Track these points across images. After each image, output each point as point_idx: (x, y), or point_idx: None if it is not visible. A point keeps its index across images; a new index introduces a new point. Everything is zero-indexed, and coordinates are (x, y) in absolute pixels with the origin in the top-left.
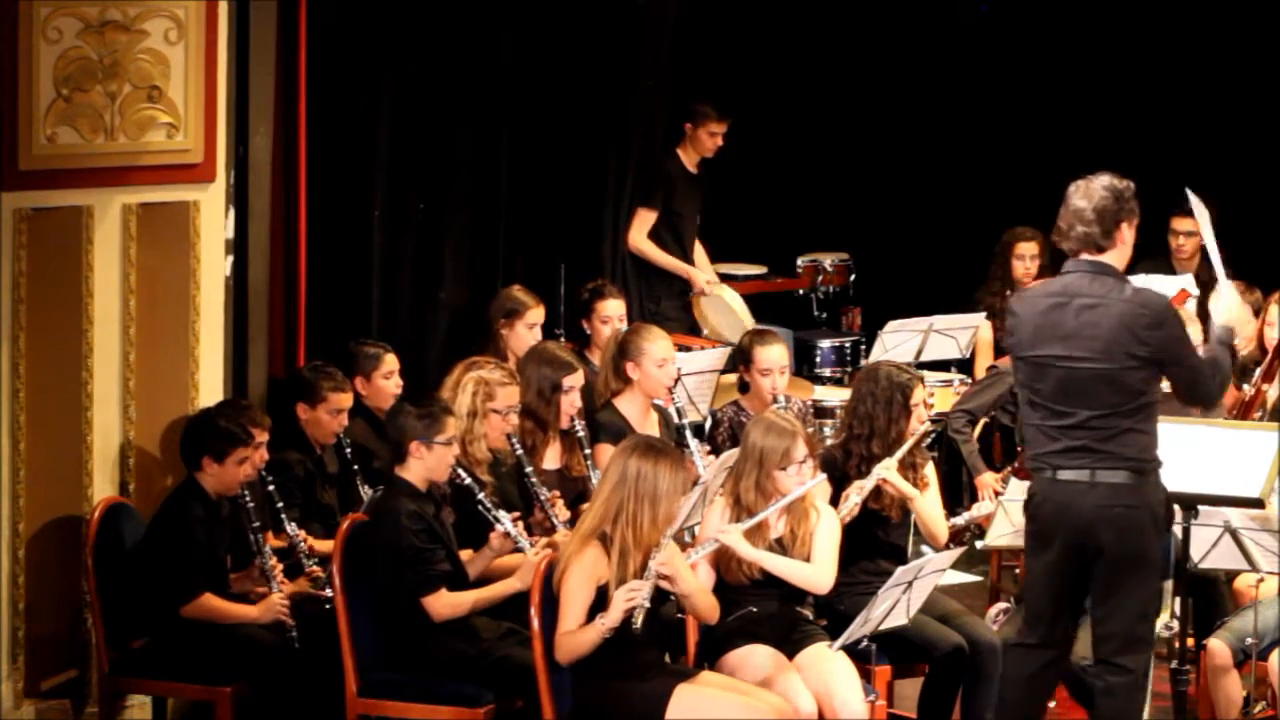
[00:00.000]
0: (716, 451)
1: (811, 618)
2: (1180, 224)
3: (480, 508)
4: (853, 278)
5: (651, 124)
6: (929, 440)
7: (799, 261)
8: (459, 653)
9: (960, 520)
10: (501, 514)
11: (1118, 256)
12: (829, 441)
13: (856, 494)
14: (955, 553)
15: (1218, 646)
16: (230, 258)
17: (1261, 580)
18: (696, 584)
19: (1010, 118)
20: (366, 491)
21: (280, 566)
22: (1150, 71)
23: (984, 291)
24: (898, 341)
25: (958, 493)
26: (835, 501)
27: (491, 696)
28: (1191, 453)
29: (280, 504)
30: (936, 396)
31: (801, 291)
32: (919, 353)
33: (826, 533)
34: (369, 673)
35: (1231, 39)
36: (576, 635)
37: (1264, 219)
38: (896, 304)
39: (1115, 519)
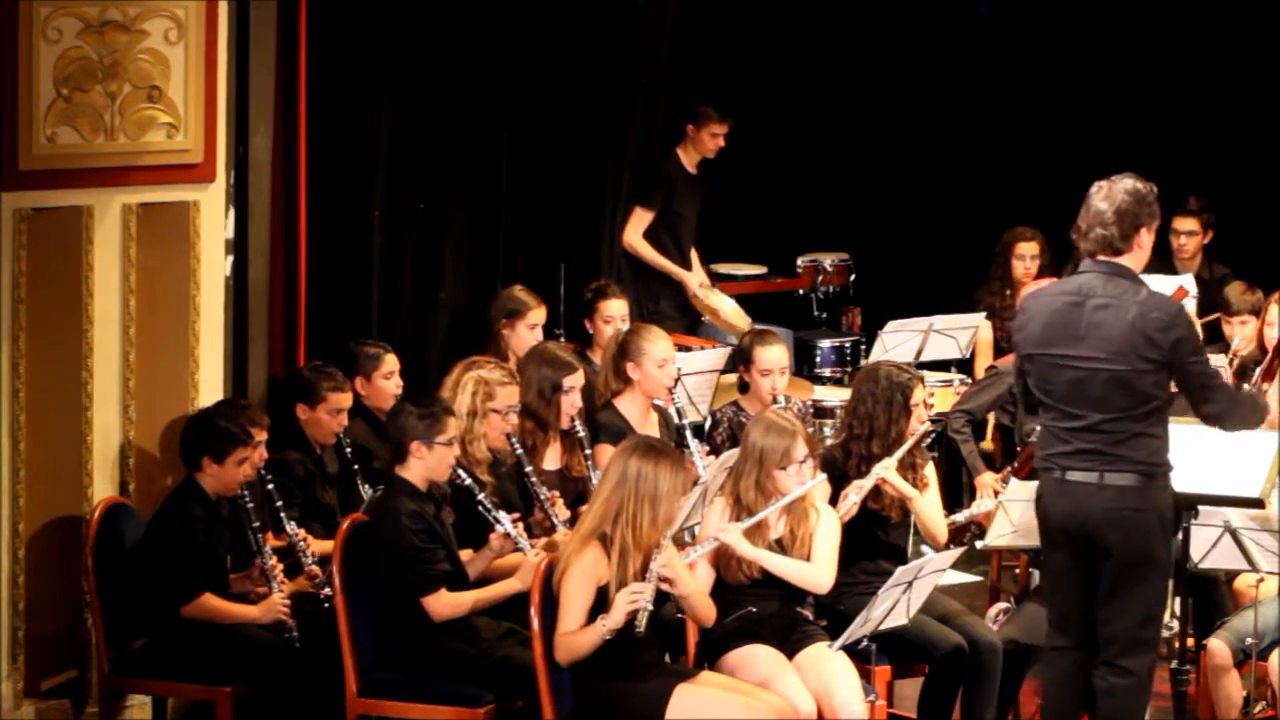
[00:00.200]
0: (715, 452)
1: (811, 618)
2: (1181, 224)
3: (480, 508)
4: (853, 278)
5: (651, 124)
6: (929, 440)
7: (799, 261)
8: (459, 653)
9: (960, 518)
10: (501, 515)
11: (1135, 260)
12: (829, 441)
13: (855, 493)
14: (955, 553)
15: (1218, 646)
16: (230, 258)
17: (1261, 580)
18: (696, 586)
19: (1010, 118)
20: (366, 491)
21: (280, 566)
22: (1151, 71)
23: (984, 291)
24: (898, 341)
25: (958, 493)
26: (835, 501)
27: (491, 696)
28: (1191, 453)
29: (280, 504)
30: (936, 396)
31: (801, 291)
32: (919, 353)
33: (826, 533)
34: (369, 673)
35: (1232, 39)
36: (577, 636)
37: (1264, 219)
38: (896, 304)
39: (1122, 521)
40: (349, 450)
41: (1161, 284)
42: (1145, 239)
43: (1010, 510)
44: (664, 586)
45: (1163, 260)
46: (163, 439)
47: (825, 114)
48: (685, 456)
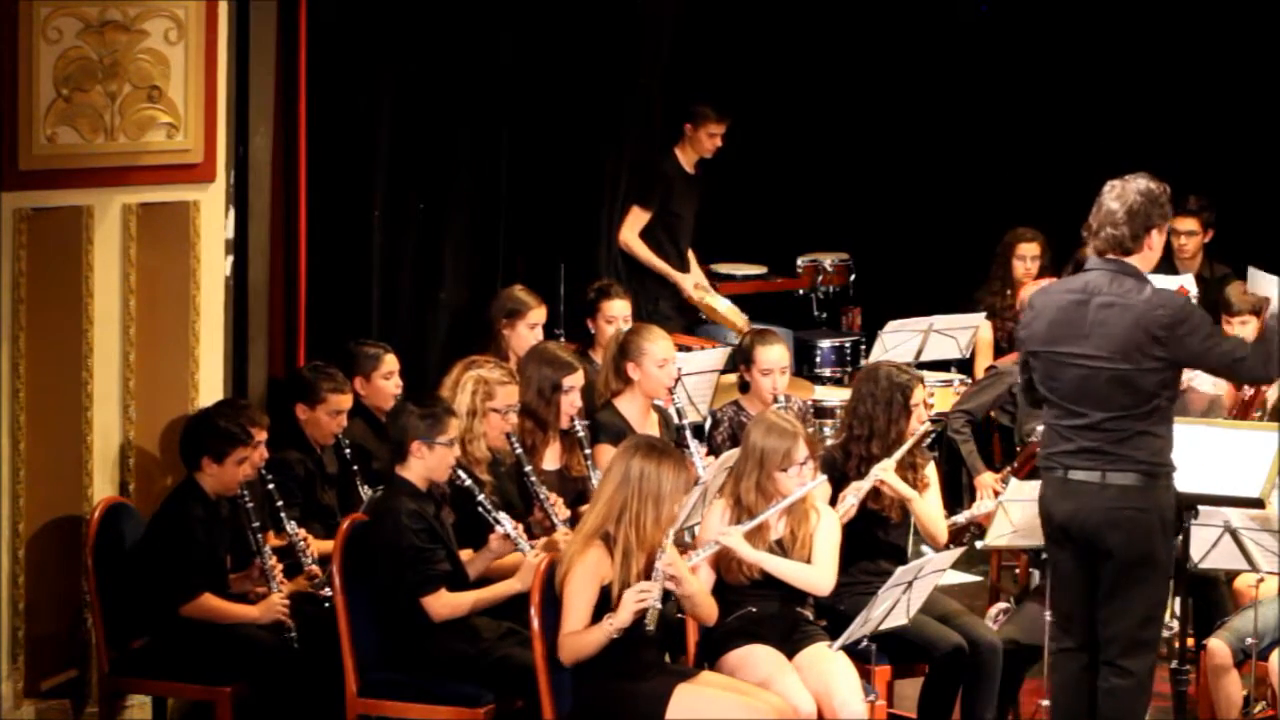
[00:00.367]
0: (715, 452)
1: (812, 618)
2: (1181, 224)
3: (480, 509)
4: (853, 278)
5: (649, 124)
6: (929, 440)
7: (799, 261)
8: (459, 653)
9: (961, 519)
10: (502, 515)
11: (1144, 260)
12: (829, 442)
13: (854, 495)
14: (955, 553)
15: (1218, 646)
16: (230, 258)
17: (1261, 580)
18: (699, 585)
19: (1010, 118)
20: (366, 492)
21: (280, 566)
22: (1151, 71)
23: (984, 291)
24: (898, 341)
25: (958, 493)
26: (835, 502)
27: (491, 696)
28: (1191, 453)
29: (280, 503)
30: (936, 396)
31: (801, 291)
32: (919, 353)
33: (827, 534)
34: (369, 673)
35: (1232, 39)
36: (582, 636)
37: (1264, 219)
38: (896, 304)
39: (1124, 521)
40: (348, 451)
41: (1162, 284)
42: (1156, 240)
43: (1010, 510)
44: (669, 585)
45: (1163, 260)
46: (163, 439)
47: (825, 114)
48: (685, 456)
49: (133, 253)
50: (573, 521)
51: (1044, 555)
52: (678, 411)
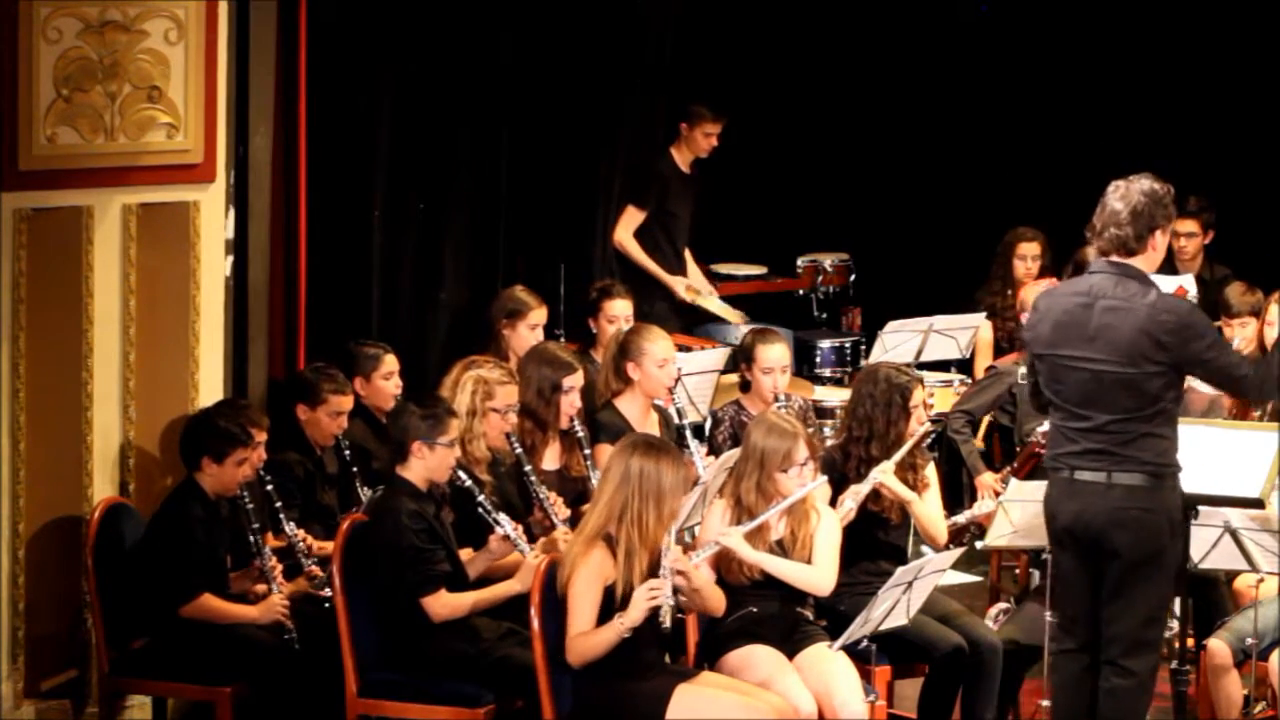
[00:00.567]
0: (716, 451)
1: (812, 618)
2: (1181, 225)
3: (480, 510)
4: (853, 278)
5: (647, 124)
6: (929, 441)
7: (799, 261)
8: (459, 653)
9: (961, 518)
10: (502, 516)
11: (1147, 261)
12: (829, 442)
13: (852, 499)
14: (955, 553)
15: (1218, 646)
16: (230, 258)
17: (1261, 580)
18: (705, 578)
19: (1011, 118)
20: (366, 492)
21: (279, 567)
22: (1151, 71)
23: (984, 291)
24: (898, 342)
25: (958, 493)
26: (834, 503)
27: (491, 696)
28: (1191, 453)
29: (279, 504)
30: (936, 397)
31: (801, 291)
32: (919, 353)
33: (827, 535)
34: (369, 673)
35: (1232, 38)
36: (591, 637)
37: (1264, 219)
38: (896, 304)
39: (1130, 521)
40: (348, 451)
41: (1162, 284)
42: (1160, 240)
43: (1010, 510)
44: (678, 581)
45: (1163, 261)
46: (163, 439)
47: (825, 114)
48: (684, 456)
49: (133, 253)
50: (572, 521)
51: (1044, 555)
52: (678, 411)
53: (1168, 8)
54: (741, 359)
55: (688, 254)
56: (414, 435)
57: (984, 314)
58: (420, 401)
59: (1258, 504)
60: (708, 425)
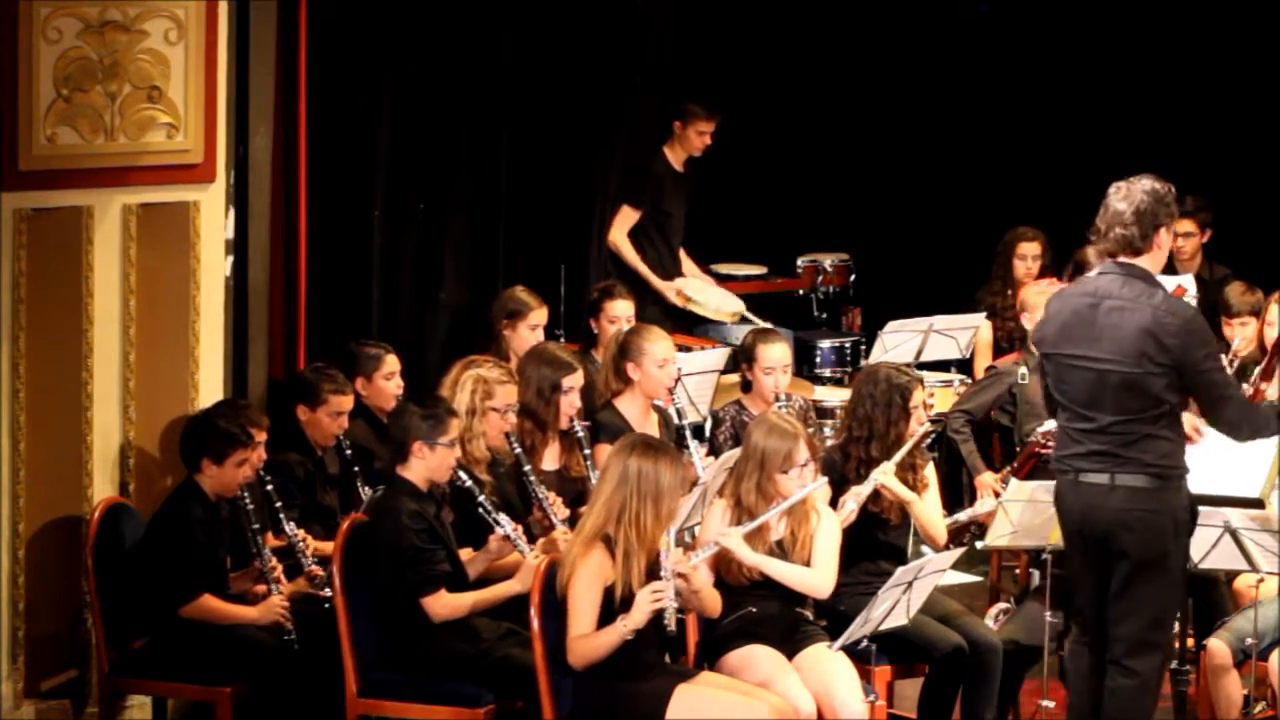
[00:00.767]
0: (717, 451)
1: (811, 618)
2: (1179, 225)
3: (480, 510)
4: (853, 278)
5: (645, 123)
6: (928, 441)
7: (799, 261)
8: (459, 653)
9: (963, 516)
10: (502, 517)
11: (1153, 260)
12: (829, 442)
13: (853, 500)
14: (955, 553)
15: (1217, 646)
16: (230, 258)
17: (1261, 580)
18: (704, 579)
19: (1011, 118)
20: (366, 493)
21: (279, 567)
22: (1151, 71)
23: (985, 291)
24: (898, 342)
25: (958, 493)
26: (835, 504)
27: (491, 696)
28: (1192, 453)
29: (279, 504)
30: (936, 397)
31: (801, 291)
32: (919, 353)
33: (827, 536)
34: (369, 673)
35: (1232, 38)
36: (592, 639)
37: (1264, 219)
38: (896, 304)
39: (1134, 523)
40: (349, 452)
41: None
42: (1164, 239)
43: (1010, 510)
44: (679, 583)
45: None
46: (163, 439)
47: (825, 114)
48: (684, 456)
49: (133, 253)
50: (572, 521)
51: (1044, 555)
52: (678, 411)
53: (1167, 8)
54: (742, 359)
55: (682, 252)
56: (414, 435)
57: (984, 314)
58: (421, 401)
59: (1258, 504)
60: (707, 425)
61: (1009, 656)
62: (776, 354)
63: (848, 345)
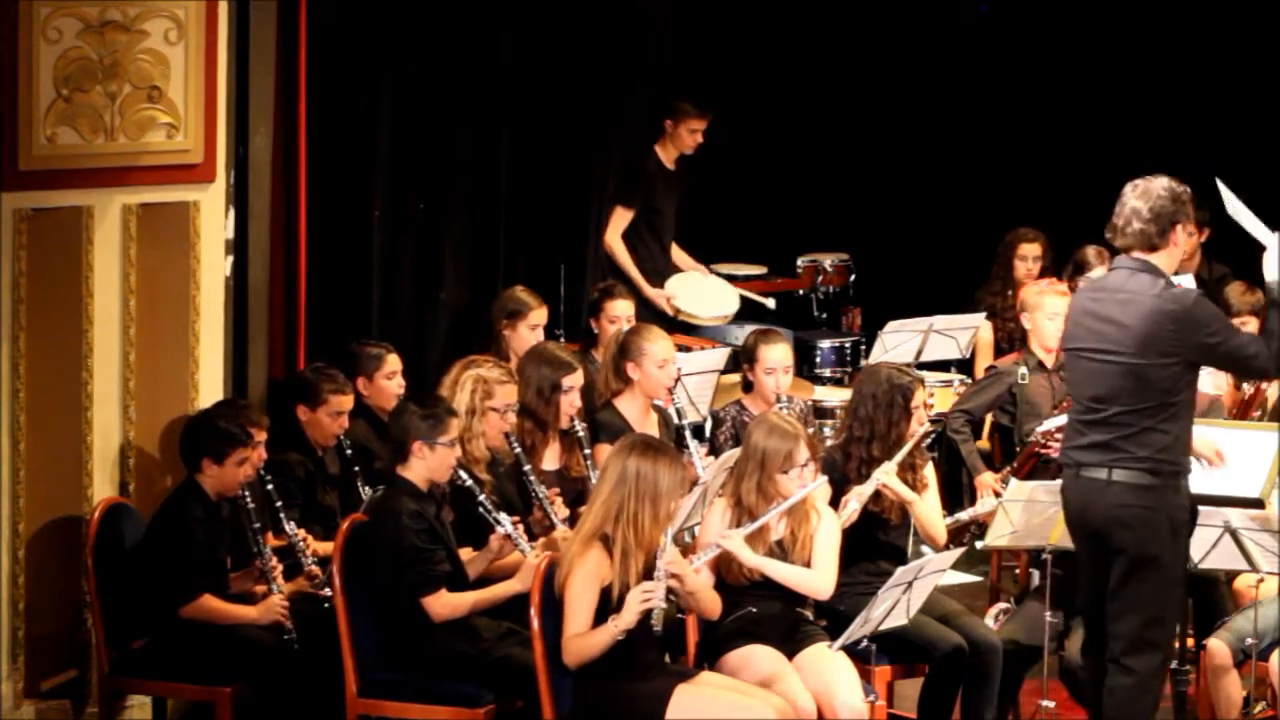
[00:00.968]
0: (717, 451)
1: (812, 618)
2: None
3: (481, 509)
4: (853, 278)
5: (643, 123)
6: (929, 441)
7: (799, 261)
8: (459, 653)
9: (964, 516)
10: (502, 516)
11: (1168, 257)
12: (829, 442)
13: (856, 500)
14: (955, 553)
15: (1217, 646)
16: (230, 258)
17: (1261, 580)
18: (701, 581)
19: (1011, 118)
20: (367, 493)
21: (280, 567)
22: (1150, 70)
23: (984, 292)
24: (898, 342)
25: (958, 493)
26: (835, 503)
27: (491, 696)
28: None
29: (279, 504)
30: (936, 397)
31: (801, 291)
32: (919, 353)
33: (827, 536)
34: (369, 673)
35: (1232, 38)
36: (586, 638)
37: (1264, 219)
38: (896, 304)
39: (1130, 520)
40: (349, 451)
41: None
42: (1180, 236)
43: (1010, 510)
44: (672, 584)
45: None
46: (163, 439)
47: (825, 114)
48: (684, 456)
49: (133, 253)
50: (572, 521)
51: (1044, 555)
52: (678, 411)
53: (1166, 7)
54: (744, 359)
55: (676, 247)
56: (414, 435)
57: (984, 314)
58: (420, 401)
59: (1258, 504)
60: (707, 425)
61: (1009, 656)
62: (778, 355)
63: (848, 345)
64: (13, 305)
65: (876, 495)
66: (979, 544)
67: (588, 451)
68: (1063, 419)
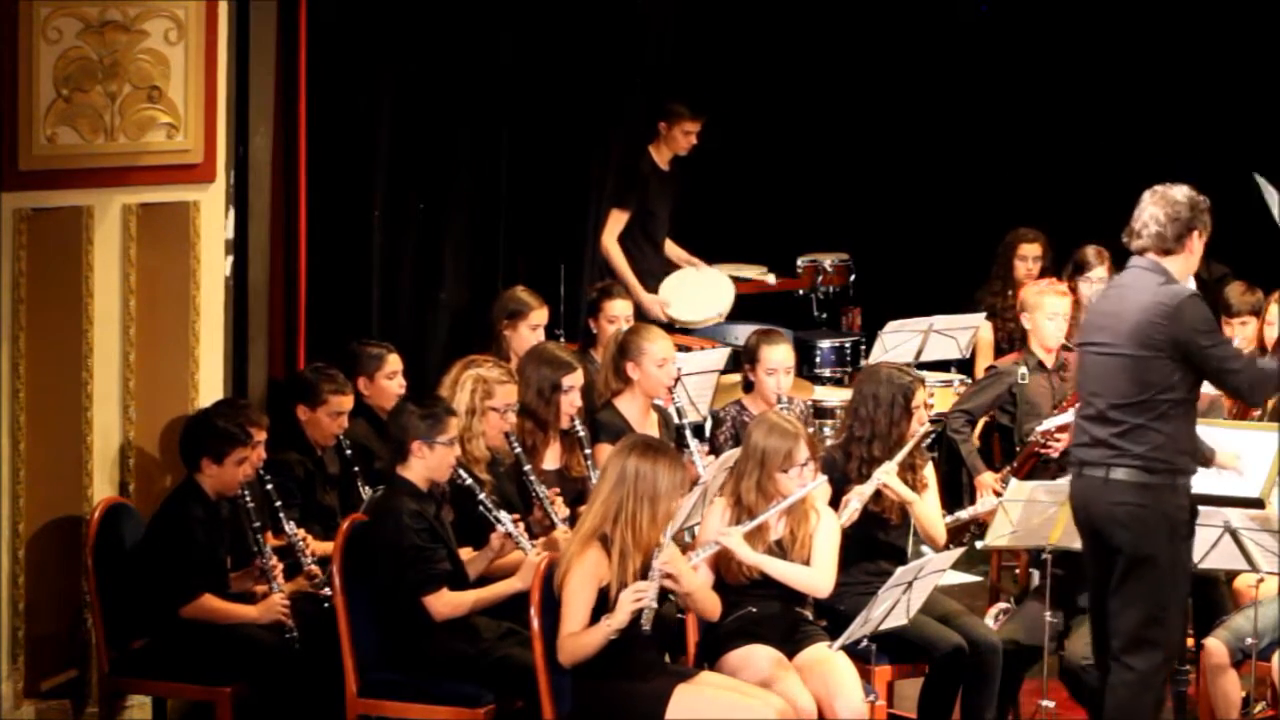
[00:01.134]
0: (717, 451)
1: (811, 618)
2: None
3: (481, 508)
4: (853, 278)
5: (642, 125)
6: (928, 441)
7: (799, 261)
8: (459, 653)
9: (964, 515)
10: (502, 514)
11: (1182, 263)
12: (829, 442)
13: (857, 500)
14: (955, 553)
15: (1215, 646)
16: (230, 258)
17: (1261, 580)
18: (699, 582)
19: (1011, 118)
20: (367, 492)
21: (280, 566)
22: (1150, 70)
23: (984, 292)
24: (898, 342)
25: (958, 493)
26: (835, 503)
27: (491, 696)
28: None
29: (279, 504)
30: (936, 396)
31: (801, 291)
32: (919, 353)
33: (826, 536)
34: (369, 673)
35: (1232, 38)
36: (581, 637)
37: (1264, 219)
38: (896, 304)
39: (1125, 518)
40: (349, 451)
41: None
42: (1195, 244)
43: (1010, 510)
44: (668, 584)
45: None
46: (163, 439)
47: (825, 114)
48: (684, 456)
49: (133, 253)
50: (572, 521)
51: (1044, 555)
52: (678, 411)
53: (1166, 7)
54: (745, 359)
55: (670, 244)
56: (413, 435)
57: (984, 314)
58: (419, 401)
59: (1258, 504)
60: (707, 425)
61: (1009, 656)
62: (780, 355)
63: (848, 345)
64: (13, 305)
65: (877, 495)
66: (979, 544)
67: (588, 451)
68: (1062, 419)
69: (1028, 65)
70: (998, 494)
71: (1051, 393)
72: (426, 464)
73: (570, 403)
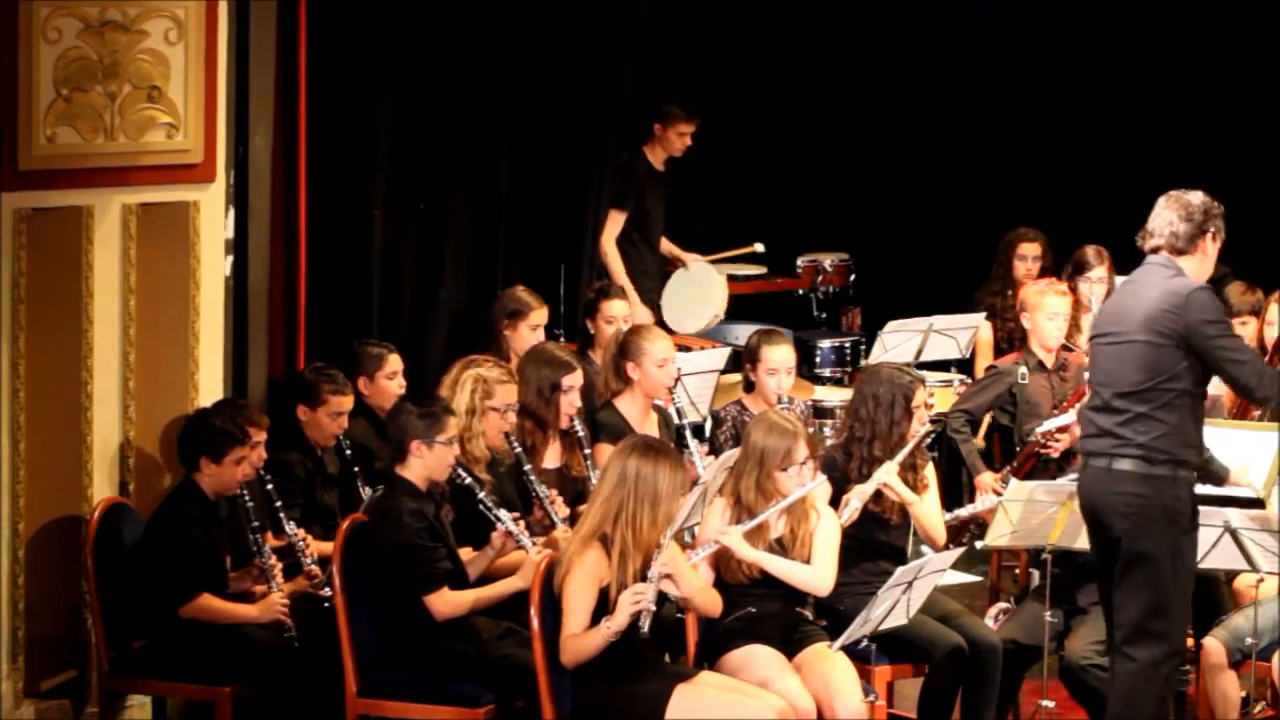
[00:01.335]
0: (718, 451)
1: (811, 618)
2: None
3: (481, 507)
4: (853, 278)
5: (635, 125)
6: (929, 440)
7: (799, 261)
8: (459, 652)
9: (964, 513)
10: (503, 513)
11: (1196, 264)
12: (829, 442)
13: (857, 499)
14: (955, 553)
15: (1213, 645)
16: (230, 258)
17: (1261, 580)
18: (699, 583)
19: (1011, 117)
20: (367, 492)
21: (279, 566)
22: (1151, 70)
23: (984, 292)
24: (898, 341)
25: (958, 493)
26: (835, 503)
27: (491, 696)
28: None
29: (279, 504)
30: (936, 396)
31: (801, 291)
32: (919, 353)
33: (826, 534)
34: (369, 673)
35: (1233, 38)
36: (581, 639)
37: (1264, 219)
38: (896, 304)
39: (1125, 509)
40: (349, 451)
41: None
42: (1209, 246)
43: (1010, 510)
44: (667, 585)
45: None
46: (163, 439)
47: (825, 113)
48: (684, 456)
49: (133, 253)
50: (572, 520)
51: (1044, 555)
52: (678, 411)
53: (1166, 7)
54: (746, 359)
55: (665, 242)
56: (412, 434)
57: (984, 314)
58: (417, 401)
59: (1258, 504)
60: (707, 425)
61: (1009, 656)
62: (781, 355)
63: (848, 345)
64: (13, 305)
65: (877, 495)
66: (979, 544)
67: (588, 451)
68: (1063, 419)
69: (1028, 64)
70: (998, 494)
71: (1051, 393)
72: (425, 464)
73: (570, 403)
